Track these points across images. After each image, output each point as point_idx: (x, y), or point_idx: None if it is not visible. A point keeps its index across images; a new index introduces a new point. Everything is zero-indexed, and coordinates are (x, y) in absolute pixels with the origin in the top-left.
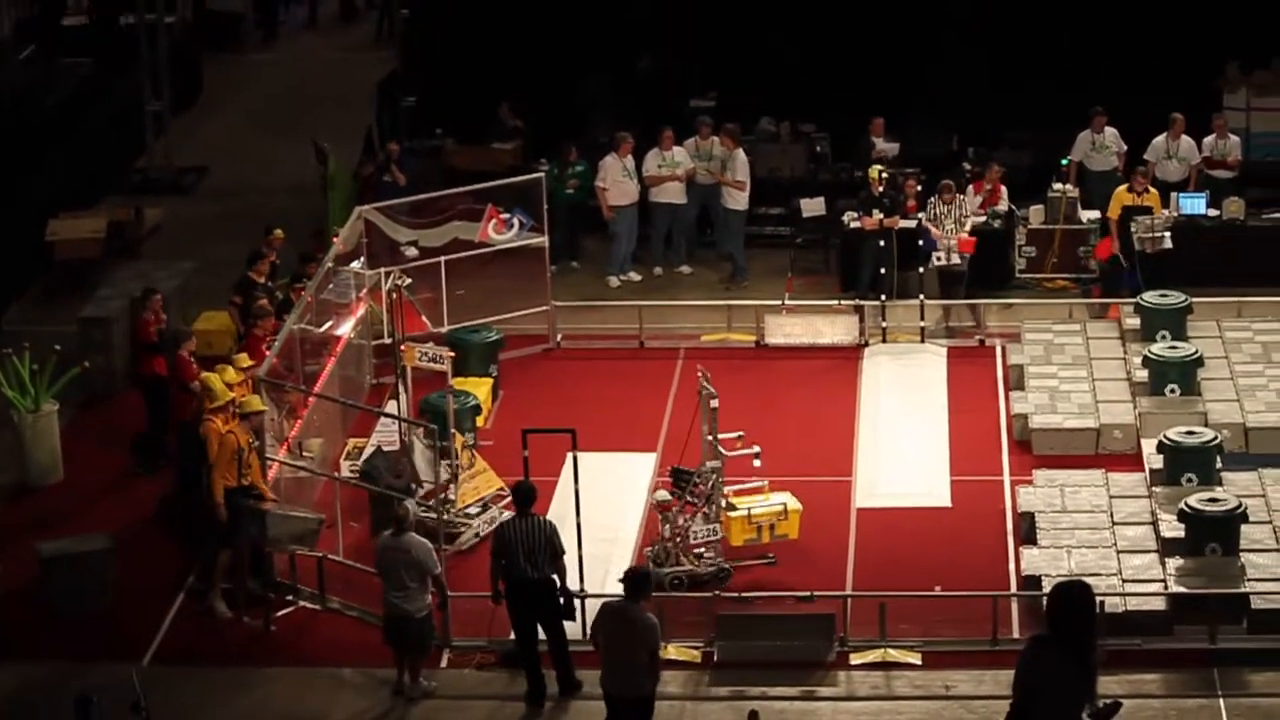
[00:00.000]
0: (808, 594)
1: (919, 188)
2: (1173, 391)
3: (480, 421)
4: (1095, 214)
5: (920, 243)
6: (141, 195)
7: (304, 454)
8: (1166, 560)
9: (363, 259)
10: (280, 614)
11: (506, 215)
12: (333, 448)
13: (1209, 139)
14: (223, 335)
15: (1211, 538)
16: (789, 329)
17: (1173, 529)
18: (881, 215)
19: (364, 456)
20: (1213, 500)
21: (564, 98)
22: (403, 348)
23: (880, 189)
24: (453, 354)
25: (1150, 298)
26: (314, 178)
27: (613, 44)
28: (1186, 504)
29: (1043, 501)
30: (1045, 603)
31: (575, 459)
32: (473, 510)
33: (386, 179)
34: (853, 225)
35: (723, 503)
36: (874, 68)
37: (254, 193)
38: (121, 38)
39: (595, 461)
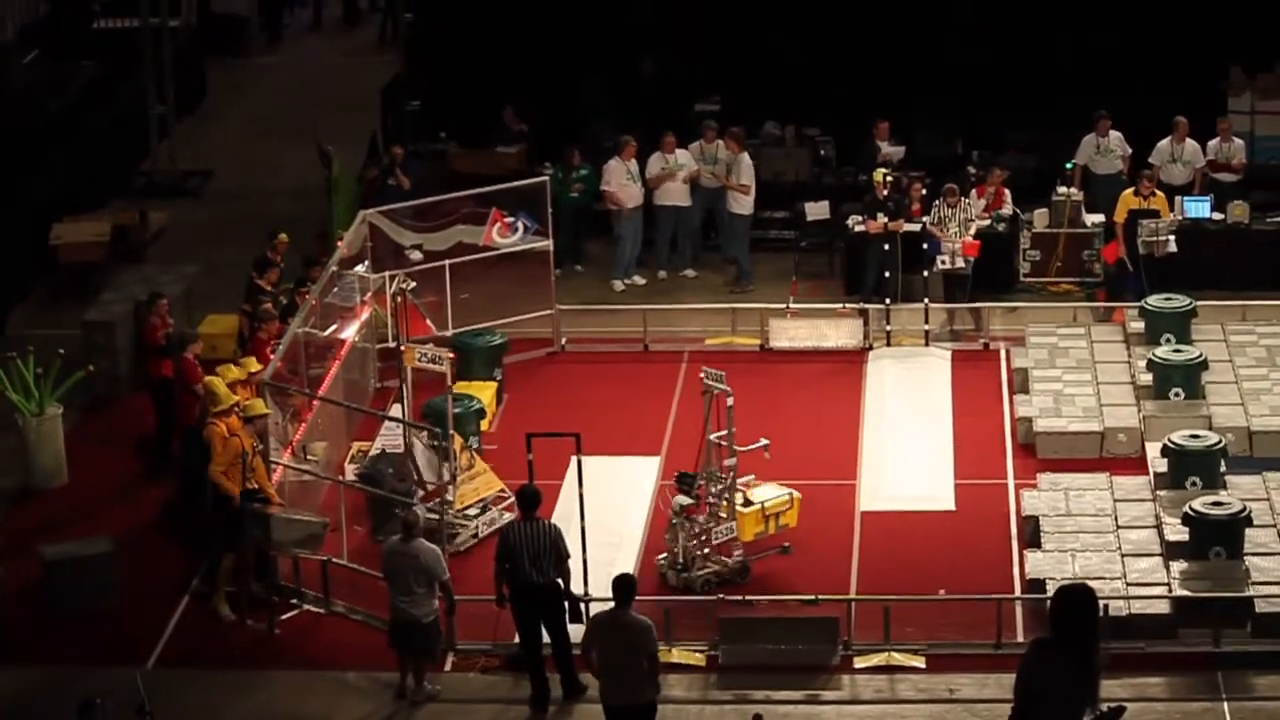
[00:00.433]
0: (812, 597)
1: (923, 191)
2: (1177, 395)
3: (484, 425)
4: (1099, 218)
5: (924, 246)
6: (146, 199)
7: (308, 457)
8: (1171, 564)
9: (367, 263)
10: (284, 617)
11: (511, 219)
12: (337, 451)
13: (1213, 142)
14: (227, 338)
15: (1216, 541)
16: (793, 332)
17: (1177, 532)
18: (886, 219)
19: (367, 459)
20: (1217, 504)
21: (567, 101)
22: (402, 348)
23: (885, 192)
24: (452, 355)
25: (1155, 301)
26: (318, 181)
27: (616, 47)
28: (1191, 507)
29: (1047, 505)
30: (1048, 605)
31: (579, 462)
32: (472, 512)
33: (391, 183)
34: (857, 229)
35: (738, 499)
36: (879, 71)
37: (258, 196)
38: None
39: (599, 465)
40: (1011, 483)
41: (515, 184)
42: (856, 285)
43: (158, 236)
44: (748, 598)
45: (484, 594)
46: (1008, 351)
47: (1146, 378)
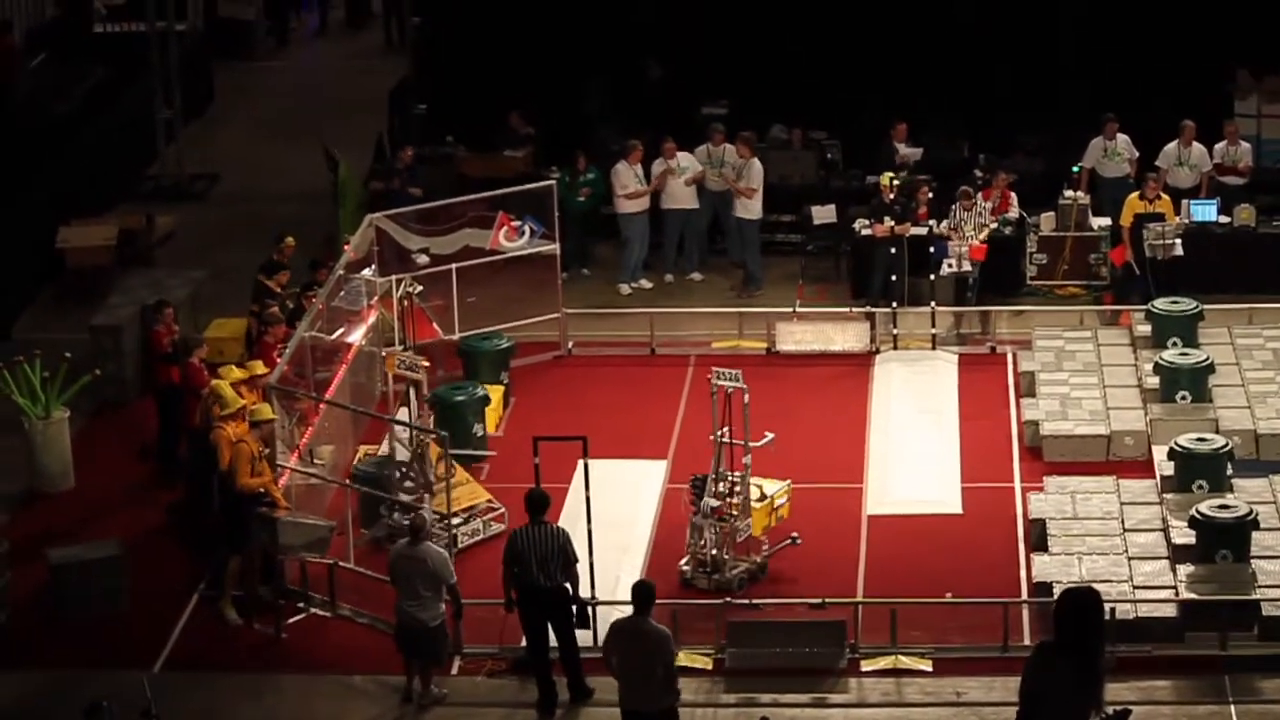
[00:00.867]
0: (819, 600)
1: (930, 195)
2: (1184, 398)
3: (491, 428)
4: (1106, 221)
5: (931, 249)
6: (153, 203)
7: (315, 461)
8: (1177, 567)
9: (374, 266)
10: (291, 621)
11: (518, 223)
12: (344, 455)
13: (1220, 146)
14: (235, 342)
15: (1222, 544)
16: (800, 336)
17: (1184, 535)
18: (893, 222)
19: (371, 461)
20: (1224, 507)
21: (573, 105)
22: (384, 354)
23: (891, 196)
24: (427, 363)
25: (1161, 304)
26: (325, 185)
27: (622, 51)
28: (1197, 510)
29: (1054, 508)
30: (1053, 608)
31: (586, 466)
32: (455, 521)
33: (395, 186)
34: (864, 232)
35: (754, 494)
36: (886, 75)
37: (265, 200)
38: (133, 45)
39: (606, 468)
40: (1018, 486)
41: (522, 188)
42: (863, 289)
43: (165, 240)
44: (755, 601)
45: (482, 597)
46: (1014, 354)
47: (1153, 381)
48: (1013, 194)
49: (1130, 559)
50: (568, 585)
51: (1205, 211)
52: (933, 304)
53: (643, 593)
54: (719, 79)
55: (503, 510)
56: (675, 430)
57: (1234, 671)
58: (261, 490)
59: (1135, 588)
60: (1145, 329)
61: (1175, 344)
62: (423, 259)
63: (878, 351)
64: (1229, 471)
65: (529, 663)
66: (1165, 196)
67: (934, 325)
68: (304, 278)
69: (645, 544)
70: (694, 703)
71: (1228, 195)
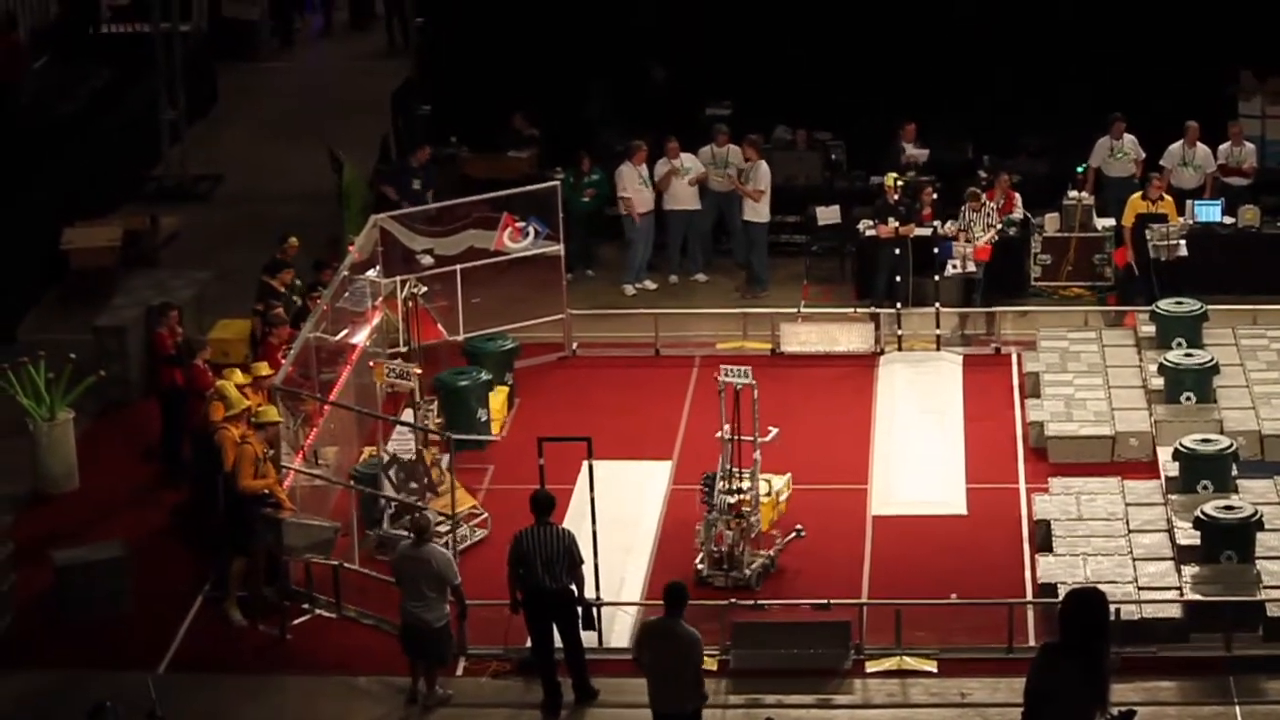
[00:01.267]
0: (824, 601)
1: (934, 196)
2: (1188, 399)
3: (495, 430)
4: (1110, 221)
5: (935, 250)
6: (157, 204)
7: (320, 462)
8: (1182, 568)
9: (378, 267)
10: (296, 622)
11: (522, 224)
12: (348, 456)
13: (1224, 146)
14: (239, 343)
15: (1227, 545)
16: (804, 337)
17: (1188, 536)
18: (897, 223)
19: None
20: (1228, 508)
21: (577, 107)
22: (371, 364)
23: (895, 197)
24: (419, 371)
25: (1166, 305)
26: (329, 186)
27: (625, 53)
28: (1202, 511)
29: (1058, 509)
30: (1058, 609)
31: (591, 467)
32: (442, 530)
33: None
34: (868, 233)
35: (762, 489)
36: (890, 76)
37: (269, 201)
38: (137, 45)
39: (611, 469)
40: (1023, 487)
41: (526, 189)
42: (868, 289)
43: (169, 241)
44: (759, 602)
45: (483, 598)
46: (1019, 355)
47: (1158, 382)
48: (1017, 195)
49: (1135, 560)
50: (573, 586)
51: (1210, 212)
52: (937, 305)
53: (675, 594)
54: (722, 80)
55: (486, 515)
56: (680, 431)
57: (1239, 672)
58: (265, 491)
59: (1140, 589)
60: (1150, 330)
61: (1180, 345)
62: (427, 260)
63: (882, 352)
64: (1234, 472)
65: (534, 664)
66: (1169, 197)
67: (938, 326)
68: (309, 278)
69: (650, 545)
70: None
71: (1232, 196)
